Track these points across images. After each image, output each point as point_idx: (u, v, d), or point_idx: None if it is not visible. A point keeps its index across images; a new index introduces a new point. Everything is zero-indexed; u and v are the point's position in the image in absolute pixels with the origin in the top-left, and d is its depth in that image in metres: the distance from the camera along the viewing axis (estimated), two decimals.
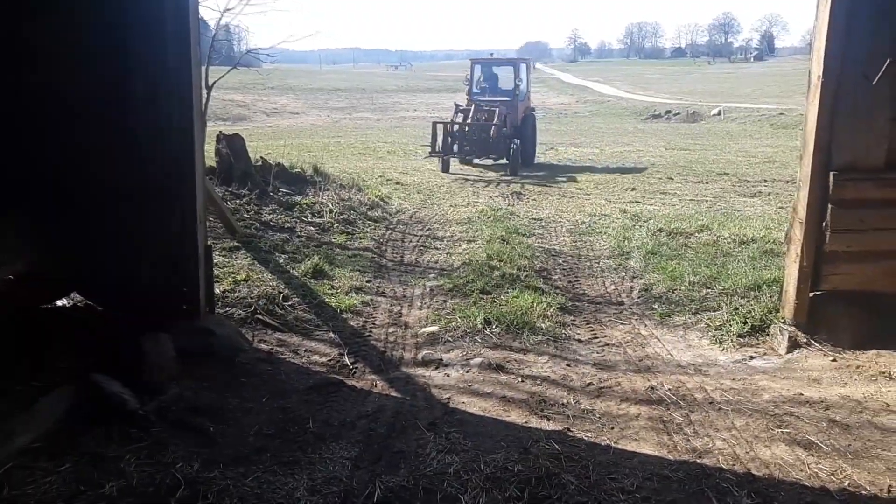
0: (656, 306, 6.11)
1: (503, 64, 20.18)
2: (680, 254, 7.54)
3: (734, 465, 3.45)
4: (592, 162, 18.36)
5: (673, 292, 6.36)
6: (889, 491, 3.19)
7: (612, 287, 6.85)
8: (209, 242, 4.94)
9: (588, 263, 7.70)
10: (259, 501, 3.13)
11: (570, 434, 3.81)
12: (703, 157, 19.42)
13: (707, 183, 14.19)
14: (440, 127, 16.60)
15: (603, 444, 3.71)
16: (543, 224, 9.72)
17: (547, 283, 6.70)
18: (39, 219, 4.42)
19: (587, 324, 5.75)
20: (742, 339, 5.20)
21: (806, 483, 3.28)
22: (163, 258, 4.59)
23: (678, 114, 42.62)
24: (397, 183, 13.63)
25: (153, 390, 4.00)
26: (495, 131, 16.05)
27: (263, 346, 4.93)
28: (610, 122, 40.05)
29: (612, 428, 3.89)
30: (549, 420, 3.98)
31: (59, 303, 4.97)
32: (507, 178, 15.16)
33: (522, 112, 17.70)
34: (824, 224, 4.73)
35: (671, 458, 3.54)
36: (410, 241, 8.40)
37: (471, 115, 16.68)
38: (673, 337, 5.46)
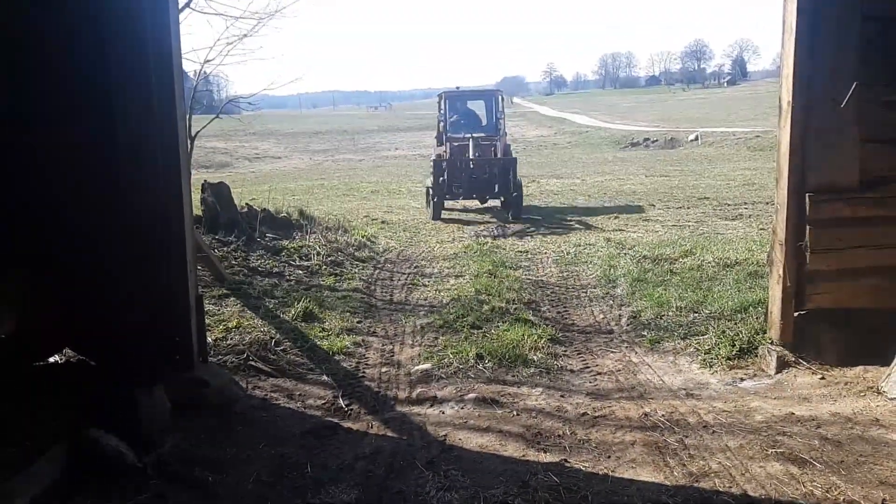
0: (645, 333, 6.17)
1: (476, 97, 18.19)
2: (665, 279, 7.62)
3: (731, 486, 3.48)
4: (574, 193, 18.53)
5: (661, 318, 6.43)
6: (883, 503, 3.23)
7: (601, 316, 6.91)
8: (199, 291, 4.95)
9: (576, 293, 7.77)
10: None
11: (568, 465, 3.83)
12: (683, 182, 19.67)
13: (688, 208, 14.38)
14: (440, 165, 14.40)
15: (601, 473, 3.74)
16: (529, 256, 9.81)
17: (536, 315, 6.76)
18: (25, 278, 4.43)
19: (578, 354, 5.80)
20: (731, 362, 5.27)
21: (801, 501, 3.32)
22: (153, 309, 4.59)
23: (656, 141, 43.19)
24: (382, 222, 13.71)
25: (149, 443, 4.00)
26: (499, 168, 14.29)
27: (258, 392, 4.94)
28: (589, 152, 40.50)
29: (609, 457, 3.92)
30: (546, 452, 4.01)
31: (52, 359, 4.97)
32: (506, 222, 13.48)
33: (503, 148, 15.86)
34: (803, 244, 4.83)
35: (669, 483, 3.57)
36: (399, 280, 8.45)
37: (470, 151, 14.64)
38: (663, 363, 5.52)
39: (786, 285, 4.92)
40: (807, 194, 4.77)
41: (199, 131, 10.11)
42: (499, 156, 14.89)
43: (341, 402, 4.85)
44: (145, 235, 4.53)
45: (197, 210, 9.23)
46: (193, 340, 4.76)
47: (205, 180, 9.59)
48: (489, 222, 13.86)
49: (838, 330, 4.89)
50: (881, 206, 4.76)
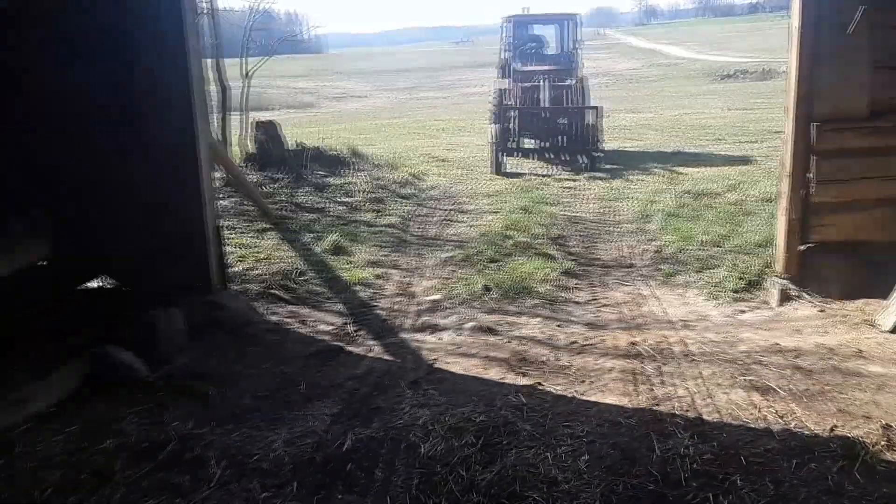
0: (663, 267, 6.21)
1: (547, 21, 15.77)
2: (699, 214, 7.57)
3: (688, 411, 3.60)
4: (643, 128, 18.10)
5: (682, 252, 6.44)
6: (831, 430, 3.29)
7: (627, 250, 6.95)
8: (218, 223, 5.29)
9: (608, 228, 7.80)
10: (238, 453, 3.45)
11: (540, 388, 4.01)
12: (763, 116, 18.91)
13: (759, 142, 13.92)
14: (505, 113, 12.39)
15: (569, 396, 3.90)
16: (573, 192, 9.82)
17: (560, 250, 6.86)
18: (63, 211, 4.84)
19: (591, 286, 5.90)
20: (737, 295, 5.28)
21: (752, 425, 3.41)
22: (174, 240, 4.97)
23: (752, 72, 41.26)
24: (441, 160, 13.81)
25: (163, 360, 4.40)
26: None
27: (273, 317, 5.28)
28: (678, 86, 39.07)
29: (584, 381, 4.08)
30: (524, 376, 4.19)
31: (91, 284, 5.44)
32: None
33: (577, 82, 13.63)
34: (809, 175, 4.75)
35: (630, 406, 3.71)
36: (436, 216, 8.65)
37: (543, 92, 12.46)
38: (672, 296, 5.57)
39: (790, 217, 4.88)
40: (813, 123, 4.67)
41: (253, 71, 10.48)
42: (575, 97, 12.77)
43: (350, 329, 5.15)
44: (164, 173, 4.89)
45: (250, 149, 9.66)
46: (212, 268, 5.13)
47: (257, 120, 9.96)
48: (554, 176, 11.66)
49: (843, 263, 4.83)
50: (891, 136, 4.62)
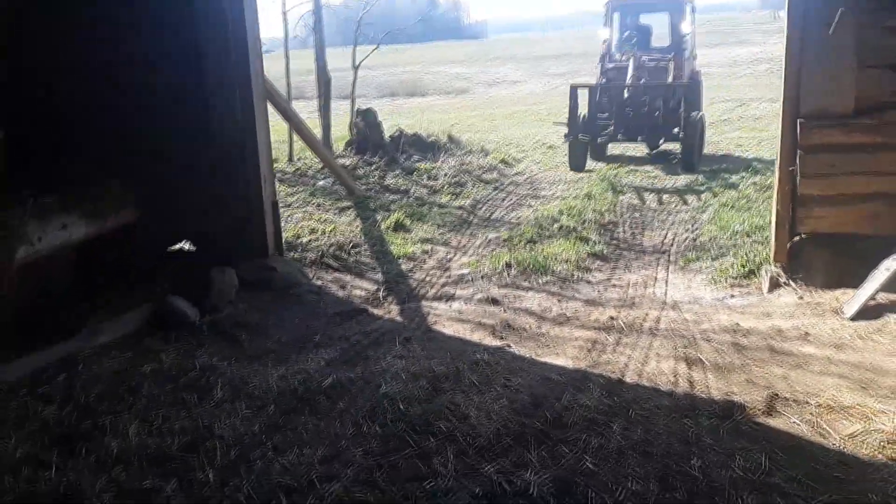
0: (689, 254, 6.52)
1: (656, 8, 14.03)
2: (750, 206, 7.70)
3: (614, 373, 4.07)
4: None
5: (713, 241, 6.72)
6: (726, 395, 3.68)
7: (670, 238, 7.27)
8: (275, 200, 6.19)
9: (664, 217, 8.09)
10: (241, 382, 4.28)
11: (508, 350, 4.58)
12: None
13: None
14: (583, 95, 11.20)
15: (527, 357, 4.46)
16: (653, 182, 10.06)
17: (603, 235, 7.29)
18: (149, 185, 5.88)
19: (613, 269, 6.33)
20: (735, 281, 5.57)
21: (661, 388, 3.84)
22: (237, 211, 5.92)
23: None
24: (550, 147, 14.23)
25: (213, 309, 5.34)
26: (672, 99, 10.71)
27: (318, 281, 6.14)
28: None
29: (548, 346, 4.62)
30: (500, 339, 4.77)
31: (178, 247, 6.52)
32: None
33: (688, 75, 12.32)
34: (793, 169, 4.99)
35: (570, 367, 4.23)
36: (509, 201, 9.24)
37: (629, 75, 11.18)
38: (680, 280, 5.92)
39: (779, 209, 5.12)
40: (798, 120, 4.91)
41: (360, 62, 11.45)
42: (672, 81, 11.37)
43: (380, 294, 5.91)
44: (230, 157, 5.83)
45: (345, 134, 10.66)
46: (268, 237, 6.04)
47: (358, 107, 10.92)
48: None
49: (829, 254, 5.02)
50: (876, 133, 4.77)
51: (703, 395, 3.71)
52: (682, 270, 6.14)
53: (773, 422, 3.42)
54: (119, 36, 5.72)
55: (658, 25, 13.76)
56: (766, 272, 5.33)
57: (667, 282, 5.87)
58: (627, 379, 3.99)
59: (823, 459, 3.10)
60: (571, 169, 11.14)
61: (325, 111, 10.09)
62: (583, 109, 11.17)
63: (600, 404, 3.67)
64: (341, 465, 3.32)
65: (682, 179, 10.15)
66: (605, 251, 6.70)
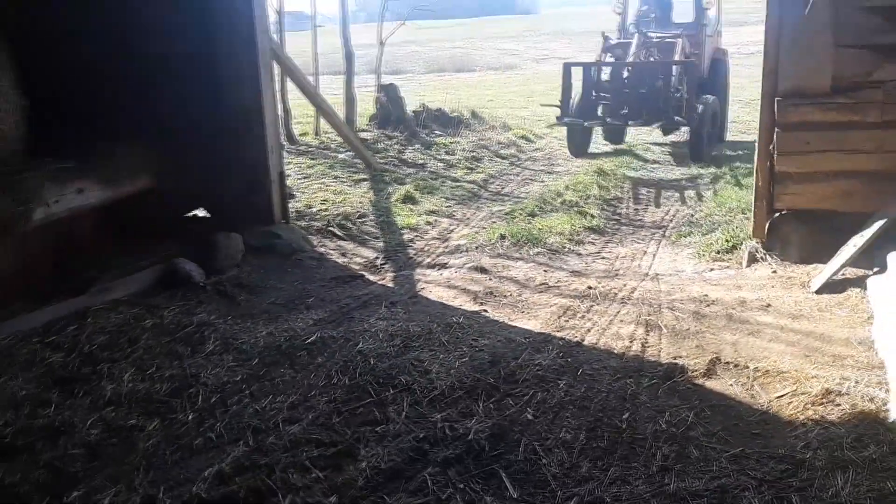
0: (684, 229, 6.67)
1: None
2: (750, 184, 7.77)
3: (575, 336, 4.29)
4: None
5: (709, 217, 6.84)
6: (673, 359, 3.88)
7: (670, 214, 7.41)
8: (283, 168, 6.51)
9: (671, 194, 8.22)
10: (231, 337, 4.60)
11: (484, 314, 4.83)
12: None
13: None
14: (578, 74, 10.45)
15: (499, 320, 4.71)
16: (672, 161, 10.14)
17: (604, 210, 7.47)
18: (165, 152, 6.23)
19: (606, 242, 6.52)
20: (718, 255, 5.72)
21: (615, 350, 4.06)
22: (245, 180, 6.25)
23: None
24: None
25: (218, 271, 5.68)
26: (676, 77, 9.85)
27: (321, 249, 6.45)
28: None
29: (523, 312, 4.85)
30: (480, 305, 5.02)
31: (192, 213, 6.90)
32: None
33: (710, 54, 11.43)
34: (771, 147, 5.11)
35: (535, 330, 4.46)
36: (522, 176, 9.43)
37: (631, 52, 10.32)
38: (668, 254, 6.09)
39: (757, 185, 5.25)
40: (776, 98, 5.02)
41: (387, 38, 11.69)
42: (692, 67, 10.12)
43: (378, 262, 6.20)
44: (239, 129, 6.16)
45: (373, 109, 10.93)
46: (275, 205, 6.37)
47: (380, 83, 11.18)
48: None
49: (803, 230, 5.16)
50: (852, 112, 4.86)
51: (652, 359, 3.93)
52: (673, 245, 6.30)
53: (710, 383, 3.62)
54: (137, 6, 6.04)
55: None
56: (746, 247, 5.47)
57: (654, 255, 6.05)
58: (586, 342, 4.21)
59: (747, 418, 3.30)
60: (571, 154, 10.59)
61: (348, 86, 10.39)
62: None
63: (553, 363, 3.91)
64: (305, 411, 3.63)
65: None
66: (601, 225, 6.89)
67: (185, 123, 6.12)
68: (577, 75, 10.29)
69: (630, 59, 10.24)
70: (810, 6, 4.74)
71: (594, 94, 10.30)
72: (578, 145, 10.65)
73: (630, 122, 10.16)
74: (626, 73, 10.12)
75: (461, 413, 3.50)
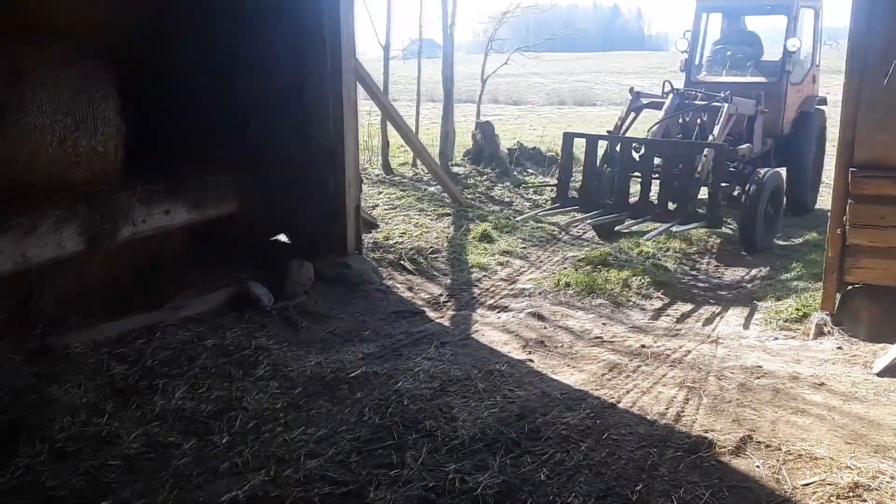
0: (760, 292, 6.43)
1: (766, 10, 10.24)
2: None
3: (612, 396, 4.23)
4: None
5: (792, 281, 6.56)
6: (705, 432, 3.77)
7: (754, 274, 7.16)
8: (358, 203, 6.73)
9: (762, 254, 7.87)
10: (282, 364, 4.79)
11: (529, 363, 4.84)
12: None
13: None
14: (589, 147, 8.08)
15: (543, 371, 4.70)
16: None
17: (682, 265, 7.30)
18: (248, 182, 6.57)
19: (672, 299, 6.36)
20: (787, 324, 5.49)
21: (647, 416, 3.98)
22: (323, 211, 6.51)
23: None
24: None
25: (287, 297, 5.94)
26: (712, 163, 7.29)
27: (390, 282, 6.61)
28: None
29: (568, 365, 4.82)
30: (528, 353, 5.02)
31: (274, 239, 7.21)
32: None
33: (797, 106, 9.53)
34: (844, 218, 4.89)
35: (575, 386, 4.42)
36: None
37: (660, 118, 8.21)
38: (736, 317, 5.88)
39: (828, 256, 5.03)
40: (850, 169, 4.82)
41: (489, 76, 11.89)
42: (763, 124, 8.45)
43: (441, 299, 6.31)
44: (320, 159, 6.43)
45: (468, 146, 11.12)
46: (349, 237, 6.59)
47: (477, 120, 11.35)
48: None
49: (877, 307, 4.89)
50: None
51: (683, 429, 3.83)
52: (744, 307, 6.08)
53: (736, 462, 3.50)
54: (246, 46, 6.42)
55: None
56: (814, 318, 5.23)
57: (720, 317, 5.86)
58: (621, 404, 4.14)
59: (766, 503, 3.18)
60: (600, 238, 8.39)
61: (445, 120, 10.62)
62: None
63: (581, 424, 3.88)
64: (328, 446, 3.75)
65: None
66: (674, 280, 6.73)
67: (274, 153, 6.45)
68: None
69: (656, 127, 8.18)
70: (889, 78, 4.54)
71: (606, 167, 8.16)
72: (602, 226, 8.21)
73: (629, 221, 7.47)
74: (640, 151, 7.76)
75: (476, 466, 3.53)
